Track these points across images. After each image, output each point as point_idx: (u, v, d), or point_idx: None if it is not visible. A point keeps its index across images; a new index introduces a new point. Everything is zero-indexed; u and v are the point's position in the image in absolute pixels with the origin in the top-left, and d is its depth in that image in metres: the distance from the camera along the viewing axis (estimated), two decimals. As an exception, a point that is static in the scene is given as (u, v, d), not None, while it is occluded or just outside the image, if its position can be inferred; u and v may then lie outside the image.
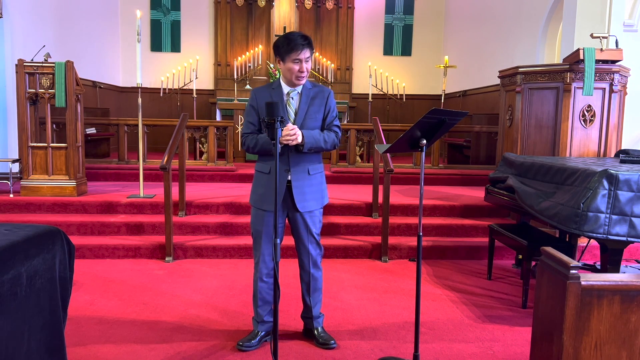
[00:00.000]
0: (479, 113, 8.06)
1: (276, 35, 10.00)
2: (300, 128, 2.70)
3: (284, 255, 4.26)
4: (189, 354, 2.76)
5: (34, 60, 5.26)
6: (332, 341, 2.87)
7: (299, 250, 2.91)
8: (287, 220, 2.91)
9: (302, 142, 2.65)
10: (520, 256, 4.30)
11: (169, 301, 3.52)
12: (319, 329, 2.94)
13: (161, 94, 9.46)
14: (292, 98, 2.77)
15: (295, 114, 2.77)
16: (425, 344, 2.91)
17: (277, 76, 9.59)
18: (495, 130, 6.43)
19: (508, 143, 5.07)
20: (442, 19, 10.90)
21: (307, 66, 2.72)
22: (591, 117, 4.64)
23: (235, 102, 8.48)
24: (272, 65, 9.80)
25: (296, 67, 2.69)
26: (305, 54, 2.69)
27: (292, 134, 2.61)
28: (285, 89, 2.78)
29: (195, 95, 8.74)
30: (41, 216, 4.93)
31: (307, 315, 2.97)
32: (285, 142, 2.62)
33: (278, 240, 2.37)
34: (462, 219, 5.19)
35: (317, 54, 10.16)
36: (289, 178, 2.75)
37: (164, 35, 10.39)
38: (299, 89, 2.79)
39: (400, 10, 10.79)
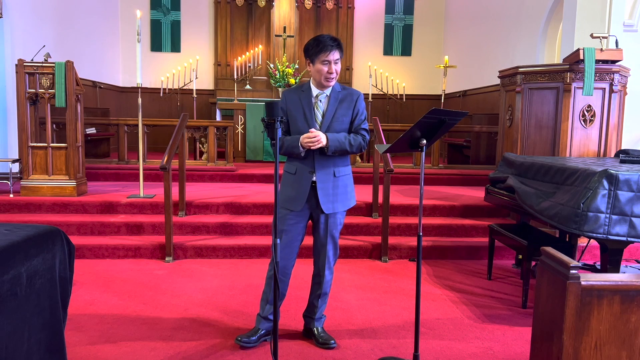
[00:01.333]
0: (479, 113, 8.06)
1: (276, 36, 10.01)
2: (327, 131, 2.73)
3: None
4: (189, 353, 2.76)
5: (34, 60, 5.26)
6: (332, 341, 2.87)
7: (317, 251, 2.91)
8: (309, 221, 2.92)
9: (326, 144, 2.68)
10: (520, 256, 4.30)
11: (169, 301, 3.52)
12: (319, 328, 2.95)
13: (161, 94, 9.46)
14: (321, 101, 2.79)
15: (323, 117, 2.78)
16: (425, 344, 2.91)
17: (277, 76, 9.64)
18: (495, 130, 6.43)
19: (508, 143, 5.07)
20: (442, 19, 10.89)
21: (337, 68, 2.73)
22: (591, 117, 4.64)
23: (235, 102, 8.47)
24: (272, 65, 9.80)
25: (325, 69, 2.71)
26: (335, 55, 2.71)
27: (313, 140, 2.65)
28: (315, 91, 2.80)
29: (195, 95, 8.74)
30: (41, 216, 4.93)
31: (310, 315, 2.98)
32: (307, 147, 2.67)
33: (278, 241, 2.37)
34: (462, 219, 5.18)
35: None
36: (314, 179, 2.76)
37: (164, 35, 10.39)
38: (328, 91, 2.81)
39: (400, 10, 10.79)
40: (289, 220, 2.81)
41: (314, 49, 2.73)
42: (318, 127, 2.75)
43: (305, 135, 2.69)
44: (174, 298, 3.58)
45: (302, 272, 3.87)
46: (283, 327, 3.09)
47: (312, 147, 2.68)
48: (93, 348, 2.80)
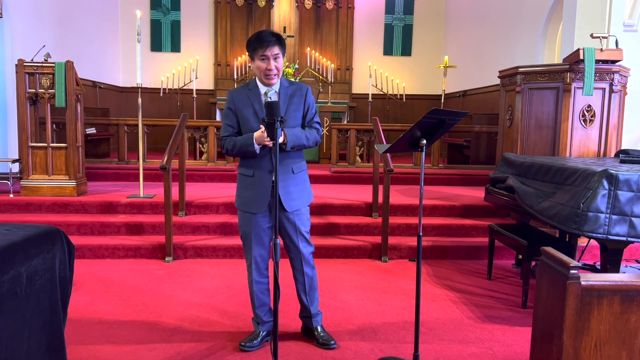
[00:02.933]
0: (479, 113, 8.06)
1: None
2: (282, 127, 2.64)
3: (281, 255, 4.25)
4: (189, 354, 2.76)
5: (34, 60, 5.26)
6: (333, 341, 2.86)
7: (289, 250, 2.86)
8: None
9: (284, 140, 2.59)
10: (520, 256, 4.30)
11: (169, 301, 3.52)
12: (319, 328, 2.93)
13: (161, 94, 9.46)
14: (270, 97, 2.70)
15: None
16: (425, 344, 2.91)
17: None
18: (495, 130, 6.43)
19: (508, 143, 5.07)
20: (442, 19, 10.90)
21: (277, 64, 2.63)
22: (591, 117, 4.64)
23: (235, 102, 8.46)
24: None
25: (264, 65, 2.62)
26: (273, 50, 2.60)
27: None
28: (262, 88, 2.71)
29: (195, 95, 8.73)
30: (41, 216, 4.93)
31: (306, 314, 2.96)
32: (262, 143, 2.57)
33: (278, 241, 2.35)
34: (462, 219, 5.18)
35: (317, 54, 10.15)
36: (273, 179, 2.67)
37: (164, 35, 10.39)
38: (276, 87, 2.72)
39: (400, 10, 10.79)
40: (254, 222, 2.74)
41: (253, 44, 2.62)
42: None
43: (260, 131, 2.55)
44: (173, 298, 3.58)
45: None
46: (283, 327, 3.09)
47: (267, 143, 2.55)
48: (93, 348, 2.80)
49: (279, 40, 2.64)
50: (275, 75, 2.66)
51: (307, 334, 2.98)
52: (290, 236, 2.81)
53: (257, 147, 2.61)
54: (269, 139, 2.51)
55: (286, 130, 2.62)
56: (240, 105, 2.70)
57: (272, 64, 2.62)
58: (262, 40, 2.59)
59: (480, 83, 8.79)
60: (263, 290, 2.87)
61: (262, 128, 2.53)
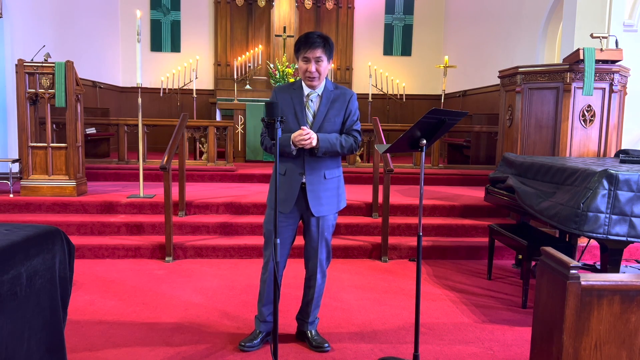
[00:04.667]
0: (479, 113, 8.06)
1: (276, 35, 10.01)
2: (318, 131, 2.63)
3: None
4: (189, 353, 2.76)
5: (34, 60, 5.26)
6: (326, 344, 2.83)
7: (308, 254, 2.84)
8: (300, 222, 2.85)
9: (316, 145, 2.58)
10: (520, 256, 4.30)
11: (169, 301, 3.52)
12: (313, 332, 2.91)
13: (161, 94, 9.46)
14: (312, 100, 2.69)
15: (314, 117, 2.68)
16: (425, 344, 2.91)
17: (277, 76, 9.63)
18: (495, 130, 6.43)
19: (508, 143, 5.07)
20: (442, 19, 10.89)
21: (319, 67, 2.60)
22: (591, 117, 4.64)
23: (235, 102, 8.47)
24: (272, 65, 9.79)
25: (304, 66, 2.61)
26: (316, 52, 2.57)
27: (305, 137, 2.55)
28: (306, 90, 2.69)
29: (195, 95, 8.73)
30: (41, 216, 4.93)
31: (303, 318, 2.93)
32: (299, 146, 2.58)
33: (278, 241, 2.35)
34: (462, 219, 5.18)
35: (317, 54, 10.14)
36: (304, 181, 2.68)
37: (164, 35, 10.39)
38: (320, 90, 2.70)
39: (400, 10, 10.79)
40: (279, 222, 2.71)
41: (297, 44, 2.62)
42: (309, 127, 2.65)
43: (297, 132, 2.57)
44: (173, 298, 3.58)
45: (301, 272, 3.86)
46: (283, 328, 3.08)
47: (304, 146, 2.57)
48: (93, 348, 2.80)
49: (324, 43, 2.60)
50: (315, 77, 2.63)
51: (301, 336, 2.95)
52: (313, 240, 2.79)
53: (293, 149, 2.61)
54: (305, 140, 2.54)
55: (320, 135, 2.60)
56: (282, 104, 2.66)
57: (313, 66, 2.60)
58: (305, 41, 2.58)
59: (480, 83, 8.79)
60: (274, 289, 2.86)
61: (304, 128, 2.56)
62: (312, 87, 2.68)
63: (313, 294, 2.86)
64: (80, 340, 2.90)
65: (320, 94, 2.71)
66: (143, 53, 9.85)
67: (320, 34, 2.62)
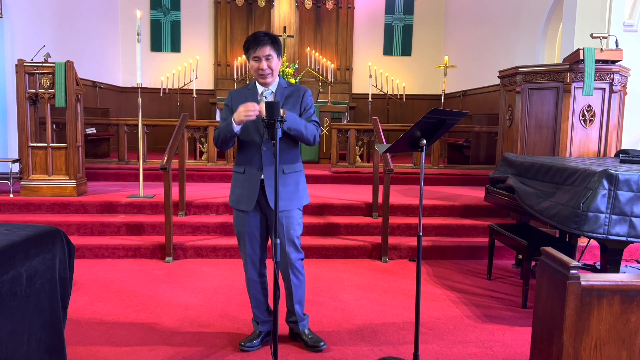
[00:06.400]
0: (479, 113, 8.06)
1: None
2: None
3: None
4: (188, 353, 2.76)
5: (34, 60, 5.26)
6: (322, 343, 2.82)
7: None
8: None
9: (283, 115, 2.45)
10: (520, 256, 4.30)
11: (169, 301, 3.52)
12: (306, 331, 2.89)
13: (161, 94, 9.45)
14: (266, 97, 2.69)
15: None
16: (425, 344, 2.91)
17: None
18: (495, 130, 6.42)
19: (508, 143, 5.07)
20: (442, 19, 10.89)
21: (270, 64, 2.62)
22: (591, 117, 4.64)
23: (235, 102, 8.46)
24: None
25: (256, 65, 2.62)
26: (265, 50, 2.59)
27: (250, 107, 2.49)
28: (260, 89, 2.72)
29: (195, 95, 8.73)
30: (41, 216, 4.93)
31: (292, 319, 2.91)
32: (245, 119, 2.51)
33: (278, 240, 2.34)
34: (462, 219, 5.18)
35: (317, 54, 10.15)
36: (262, 177, 2.67)
37: (164, 35, 10.39)
38: (274, 88, 2.72)
39: (400, 10, 10.79)
40: (245, 220, 2.73)
41: (247, 44, 2.63)
42: None
43: (241, 106, 2.51)
44: (173, 298, 3.58)
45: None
46: (283, 328, 3.08)
47: (249, 117, 2.49)
48: (93, 348, 2.80)
49: (272, 41, 2.62)
50: (268, 74, 2.65)
51: (295, 338, 2.93)
52: (279, 238, 2.74)
53: (235, 127, 2.57)
54: (250, 112, 2.49)
55: (286, 110, 2.58)
56: (238, 103, 2.66)
57: (264, 63, 2.62)
58: (254, 41, 2.61)
59: (480, 83, 8.79)
60: (259, 289, 2.85)
61: (241, 106, 2.51)
62: (266, 85, 2.71)
63: (293, 295, 2.83)
64: (80, 340, 2.90)
65: (274, 90, 2.73)
66: (143, 53, 9.85)
67: (267, 33, 2.66)
